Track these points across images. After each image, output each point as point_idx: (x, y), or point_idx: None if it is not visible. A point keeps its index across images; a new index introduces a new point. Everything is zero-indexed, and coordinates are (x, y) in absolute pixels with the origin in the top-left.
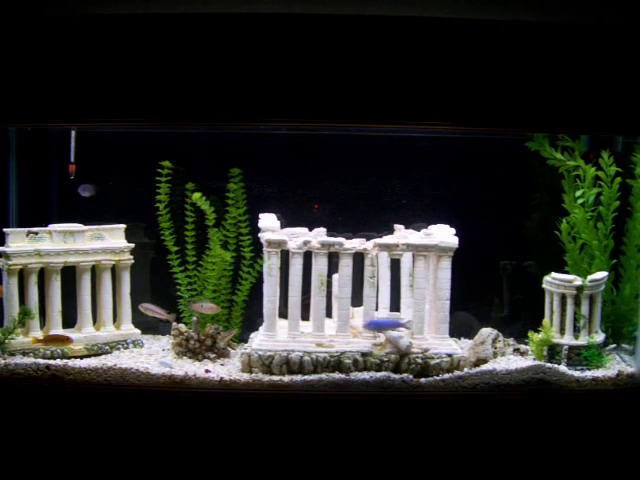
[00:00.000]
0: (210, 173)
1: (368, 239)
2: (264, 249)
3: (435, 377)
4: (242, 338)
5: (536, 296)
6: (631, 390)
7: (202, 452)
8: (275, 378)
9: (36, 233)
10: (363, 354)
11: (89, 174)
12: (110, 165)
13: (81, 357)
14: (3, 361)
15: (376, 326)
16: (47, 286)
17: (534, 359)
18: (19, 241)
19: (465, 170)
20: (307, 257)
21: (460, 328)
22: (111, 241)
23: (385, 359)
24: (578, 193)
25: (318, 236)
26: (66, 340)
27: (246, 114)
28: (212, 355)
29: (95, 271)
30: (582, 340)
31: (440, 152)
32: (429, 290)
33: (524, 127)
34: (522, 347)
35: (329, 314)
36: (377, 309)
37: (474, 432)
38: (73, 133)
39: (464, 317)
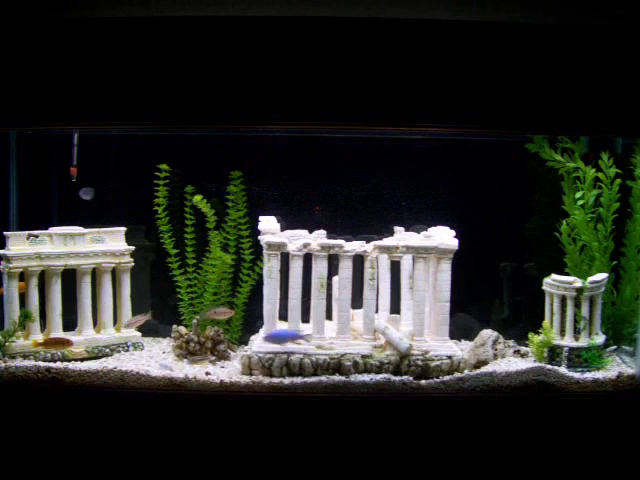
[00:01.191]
0: (210, 176)
1: (368, 241)
2: (264, 251)
3: (435, 379)
4: (242, 340)
5: (536, 298)
6: (631, 391)
7: (202, 454)
8: (275, 380)
9: (36, 236)
10: (363, 356)
11: (89, 177)
12: (110, 168)
13: (81, 360)
14: (4, 364)
15: (274, 338)
16: (47, 289)
17: (534, 361)
18: (20, 244)
19: (465, 172)
20: (307, 259)
21: (460, 330)
22: (111, 244)
23: (385, 361)
24: (578, 195)
25: (318, 238)
26: (66, 343)
27: (246, 116)
28: (212, 357)
29: (95, 274)
30: (582, 342)
31: (440, 154)
32: (429, 292)
33: (524, 129)
34: (522, 349)
35: (329, 316)
36: (377, 311)
37: (475, 434)
38: (75, 136)
39: (464, 319)
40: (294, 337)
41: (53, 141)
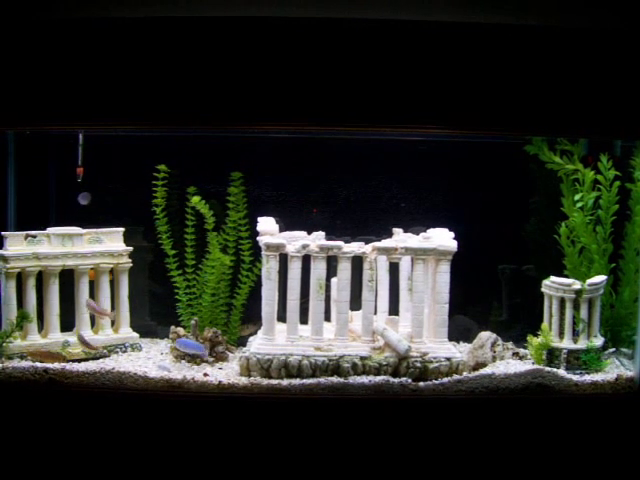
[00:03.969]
0: (209, 177)
1: (367, 243)
2: (263, 253)
3: (434, 381)
4: (240, 342)
5: (535, 300)
6: (630, 394)
7: (200, 456)
8: (273, 382)
9: (34, 236)
10: (362, 358)
11: (88, 177)
12: (108, 168)
13: (79, 361)
14: (1, 365)
15: (184, 344)
16: (45, 289)
17: (533, 363)
18: (17, 244)
19: (464, 174)
20: (306, 261)
21: (459, 332)
22: (109, 244)
23: (384, 363)
24: (577, 197)
25: (317, 240)
26: (59, 358)
27: (245, 117)
28: (210, 359)
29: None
30: (581, 344)
31: (439, 156)
32: (428, 294)
33: (523, 131)
34: (521, 351)
35: (328, 318)
36: (376, 313)
37: (473, 436)
38: (81, 136)
39: (463, 321)
40: (196, 351)
41: (52, 141)
